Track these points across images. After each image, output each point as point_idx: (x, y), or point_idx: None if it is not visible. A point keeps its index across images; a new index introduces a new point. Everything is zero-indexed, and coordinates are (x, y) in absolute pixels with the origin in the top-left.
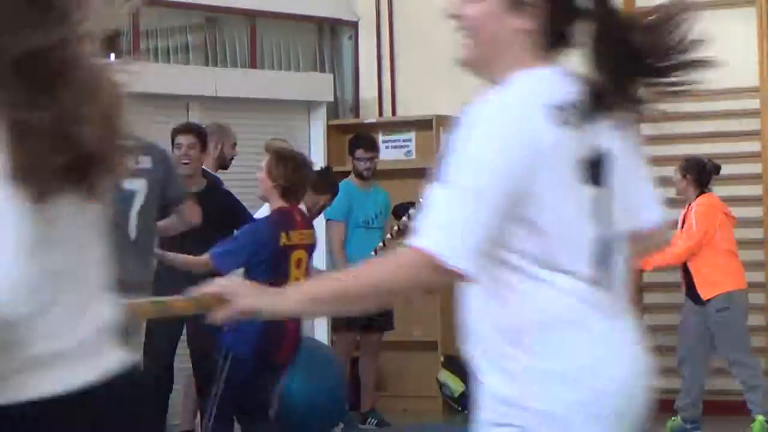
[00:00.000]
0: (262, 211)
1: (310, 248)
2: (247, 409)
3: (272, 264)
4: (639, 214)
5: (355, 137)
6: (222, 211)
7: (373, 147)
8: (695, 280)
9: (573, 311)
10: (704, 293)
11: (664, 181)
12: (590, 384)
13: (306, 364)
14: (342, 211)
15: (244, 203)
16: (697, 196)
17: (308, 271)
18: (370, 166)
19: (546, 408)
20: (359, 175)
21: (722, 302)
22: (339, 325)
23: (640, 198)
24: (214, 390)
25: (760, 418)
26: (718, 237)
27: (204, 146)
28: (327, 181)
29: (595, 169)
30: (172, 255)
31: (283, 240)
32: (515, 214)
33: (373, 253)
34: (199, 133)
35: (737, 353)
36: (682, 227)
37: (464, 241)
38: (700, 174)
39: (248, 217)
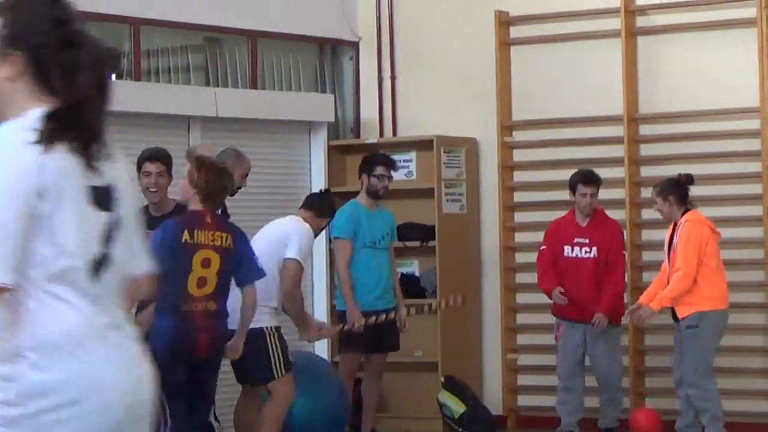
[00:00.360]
0: (289, 225)
1: (224, 251)
2: (181, 406)
3: (173, 259)
4: (132, 262)
5: (373, 155)
6: None
7: (393, 165)
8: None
9: (75, 332)
10: (679, 312)
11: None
12: (81, 404)
13: (307, 380)
14: (348, 229)
15: (241, 221)
16: (683, 214)
17: (227, 274)
18: (387, 184)
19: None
20: (374, 194)
21: (693, 320)
22: (345, 344)
23: (134, 248)
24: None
25: None
26: (706, 255)
27: (171, 172)
28: (328, 204)
29: (104, 196)
30: None
31: (185, 237)
32: (33, 234)
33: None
34: (167, 160)
35: (694, 375)
36: (669, 247)
37: None
38: (679, 191)
39: None
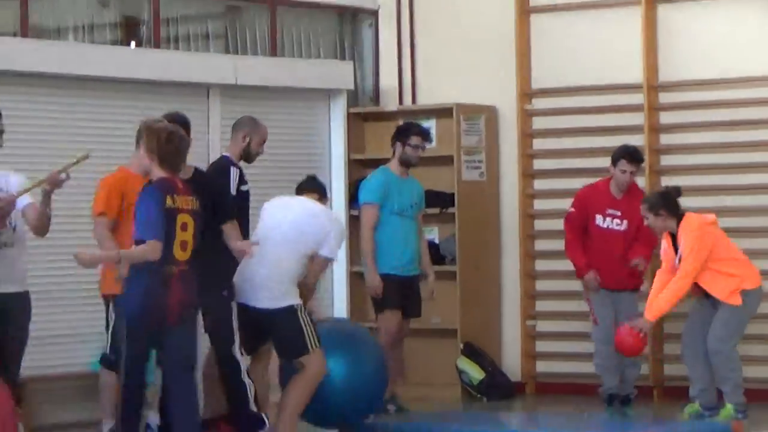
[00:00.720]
0: (329, 219)
1: (196, 214)
2: (142, 368)
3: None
4: None
5: (408, 125)
6: (205, 199)
7: (428, 136)
8: (714, 294)
9: None
10: (732, 301)
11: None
12: None
13: (348, 347)
14: (377, 194)
15: (260, 188)
16: (678, 222)
17: (196, 237)
18: (420, 154)
19: None
20: (406, 163)
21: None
22: (380, 305)
23: None
24: (121, 352)
25: (729, 406)
26: (725, 248)
27: (188, 135)
28: (315, 183)
29: None
30: (119, 254)
31: (168, 203)
32: None
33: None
34: (184, 123)
35: (722, 344)
36: (675, 254)
37: None
38: (668, 203)
39: (228, 207)
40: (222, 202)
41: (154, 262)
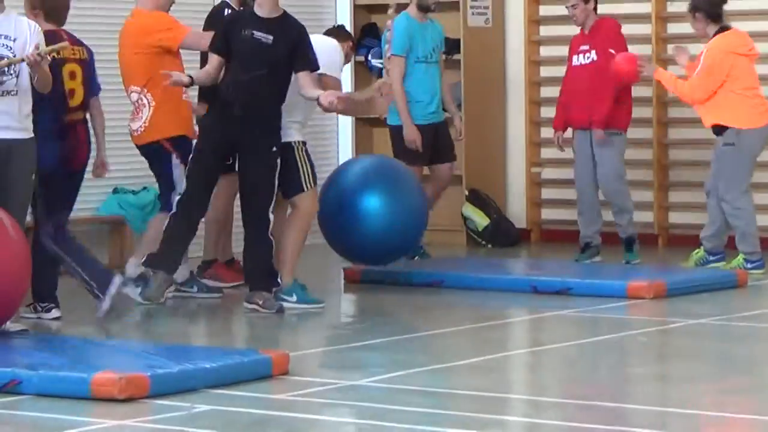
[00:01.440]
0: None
1: (83, 62)
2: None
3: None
4: None
5: None
6: (288, 43)
7: None
8: (729, 123)
9: None
10: (706, 121)
11: None
12: None
13: (392, 185)
14: (402, 45)
15: None
16: (716, 33)
17: (87, 84)
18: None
19: None
20: (425, 8)
21: (729, 137)
22: (405, 158)
23: None
24: (38, 203)
25: (740, 255)
26: (730, 78)
27: None
28: (343, 30)
29: None
30: None
31: (53, 54)
32: None
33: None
34: None
35: (727, 191)
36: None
37: None
38: (709, 6)
39: (311, 56)
40: (302, 50)
41: (53, 112)
